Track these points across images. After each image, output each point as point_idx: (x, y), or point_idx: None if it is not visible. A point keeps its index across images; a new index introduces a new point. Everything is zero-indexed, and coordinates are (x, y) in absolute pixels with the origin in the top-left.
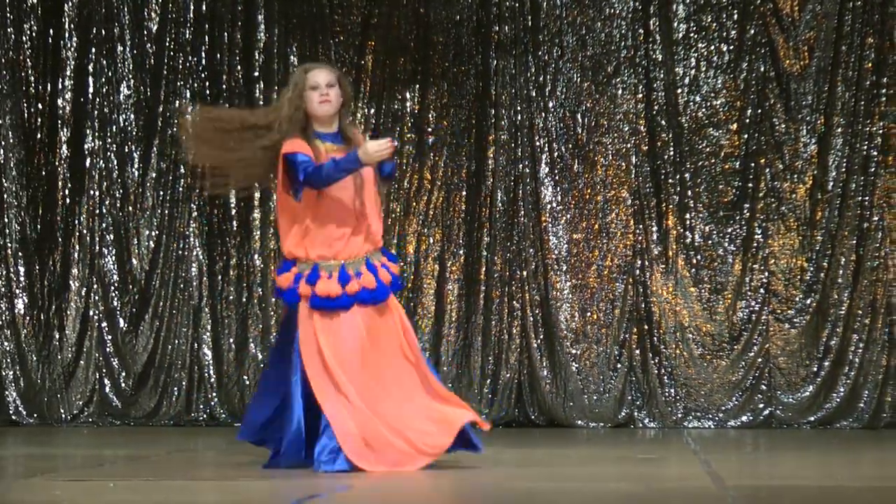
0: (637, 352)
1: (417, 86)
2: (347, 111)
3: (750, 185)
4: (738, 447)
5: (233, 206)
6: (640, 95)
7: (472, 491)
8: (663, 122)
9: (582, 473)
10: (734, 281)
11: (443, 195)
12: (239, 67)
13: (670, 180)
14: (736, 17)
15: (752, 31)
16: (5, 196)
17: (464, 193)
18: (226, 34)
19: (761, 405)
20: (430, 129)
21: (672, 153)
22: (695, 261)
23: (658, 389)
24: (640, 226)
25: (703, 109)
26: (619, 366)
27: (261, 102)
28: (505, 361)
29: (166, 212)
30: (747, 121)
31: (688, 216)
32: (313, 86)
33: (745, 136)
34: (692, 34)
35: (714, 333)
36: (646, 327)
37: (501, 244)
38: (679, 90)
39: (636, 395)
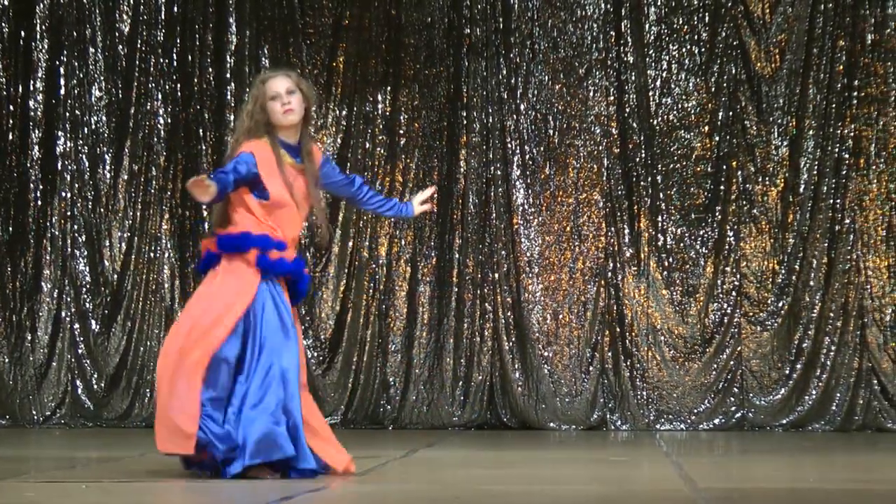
0: (609, 354)
1: (389, 88)
2: (310, 119)
3: (722, 187)
4: (711, 450)
5: (204, 208)
6: (612, 98)
7: (445, 493)
8: (635, 125)
9: (554, 475)
10: (706, 283)
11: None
12: (210, 69)
13: (642, 183)
14: (707, 19)
15: (724, 34)
16: None
17: (435, 196)
18: (197, 36)
19: (733, 408)
20: (401, 132)
21: (644, 155)
22: (667, 263)
23: (630, 392)
24: (612, 228)
25: (675, 112)
26: (591, 368)
27: (232, 104)
28: (477, 364)
29: (138, 213)
30: (719, 123)
31: (660, 219)
32: (273, 95)
33: (717, 138)
34: (664, 37)
35: (686, 336)
36: (618, 330)
37: (473, 246)
38: (651, 92)
39: (608, 398)
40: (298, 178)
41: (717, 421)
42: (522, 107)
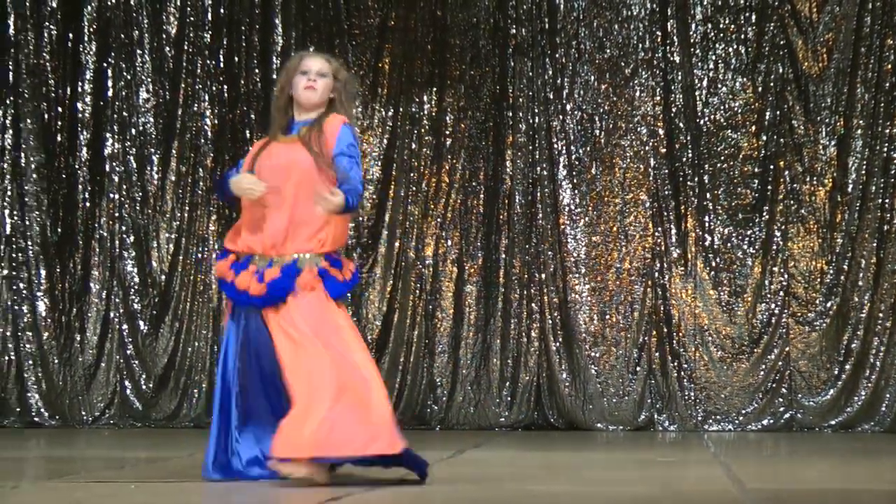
0: (656, 355)
1: (435, 89)
2: (338, 109)
3: (769, 187)
4: (759, 451)
5: None
6: (658, 98)
7: (492, 495)
8: (681, 125)
9: (601, 477)
10: (754, 283)
11: (461, 198)
12: (257, 70)
13: (689, 182)
14: (754, 19)
15: (771, 33)
16: (26, 199)
17: (482, 196)
18: (243, 37)
19: (782, 409)
20: (447, 132)
21: (690, 155)
22: (714, 263)
23: (678, 392)
24: (659, 228)
25: (722, 112)
26: (638, 369)
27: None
28: (524, 364)
29: (185, 215)
30: (766, 123)
31: (707, 219)
32: (303, 70)
33: (764, 138)
34: (710, 36)
35: (734, 336)
36: (665, 330)
37: (520, 247)
38: (697, 92)
39: (656, 399)
40: (290, 151)
41: (765, 422)
42: (568, 107)
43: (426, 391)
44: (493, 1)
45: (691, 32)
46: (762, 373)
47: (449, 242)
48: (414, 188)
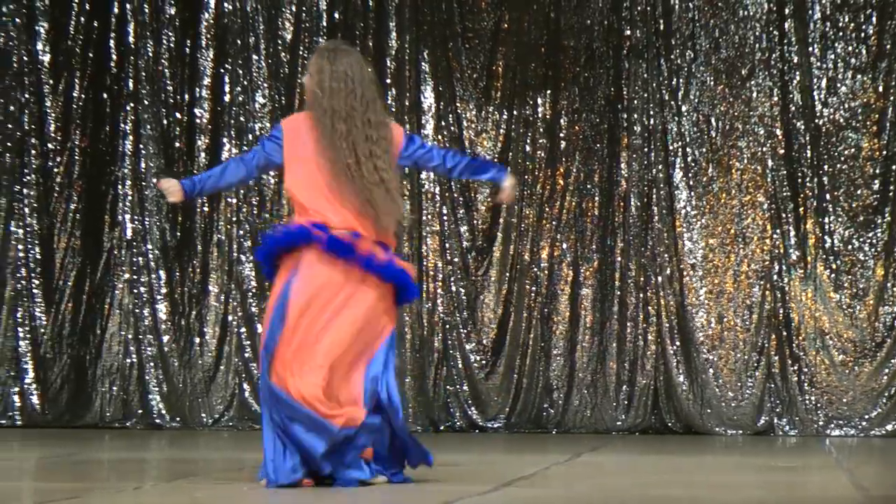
0: (776, 358)
1: (549, 91)
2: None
3: (891, 188)
4: (884, 456)
5: None
6: (776, 98)
7: (609, 499)
8: (800, 126)
9: (720, 481)
10: (876, 286)
11: (576, 200)
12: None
13: (808, 184)
14: (874, 17)
15: (892, 31)
16: (146, 204)
17: (597, 198)
18: (358, 41)
19: None
20: (561, 135)
21: (809, 156)
22: (834, 266)
23: (798, 397)
24: (778, 230)
25: (841, 112)
26: (757, 373)
27: (392, 108)
28: (641, 368)
29: None
30: (887, 123)
31: (826, 220)
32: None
33: (886, 138)
34: (829, 35)
35: (855, 340)
36: (784, 333)
37: (636, 249)
38: (816, 92)
39: (775, 403)
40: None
41: (889, 427)
42: (684, 108)
43: (542, 394)
44: (608, 2)
45: (809, 31)
46: (885, 377)
47: (564, 245)
48: (528, 191)
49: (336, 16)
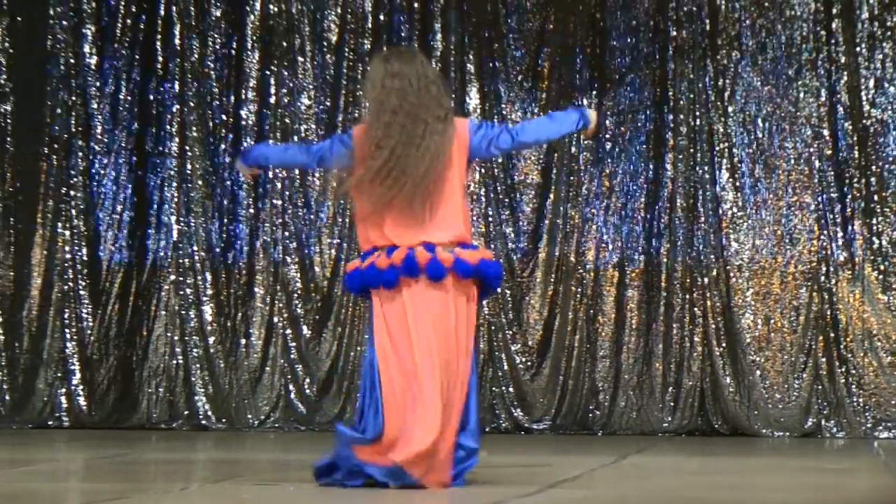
0: (823, 360)
1: (594, 92)
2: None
3: None
4: None
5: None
6: (823, 98)
7: (655, 500)
8: (847, 126)
9: (767, 483)
10: None
11: (621, 201)
12: None
13: (855, 185)
14: None
15: None
16: (192, 206)
17: (642, 200)
18: (403, 43)
19: None
20: (607, 136)
21: (857, 157)
22: (883, 267)
23: (846, 399)
24: (825, 231)
25: (889, 112)
26: (804, 374)
27: None
28: (687, 369)
29: (347, 220)
30: None
31: (874, 221)
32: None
33: None
34: (877, 35)
35: None
36: (832, 335)
37: (682, 250)
38: (863, 93)
39: (823, 405)
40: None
41: None
42: (730, 109)
43: (588, 396)
44: (654, 3)
45: (857, 31)
46: None
47: (610, 246)
48: (574, 192)
49: (381, 17)
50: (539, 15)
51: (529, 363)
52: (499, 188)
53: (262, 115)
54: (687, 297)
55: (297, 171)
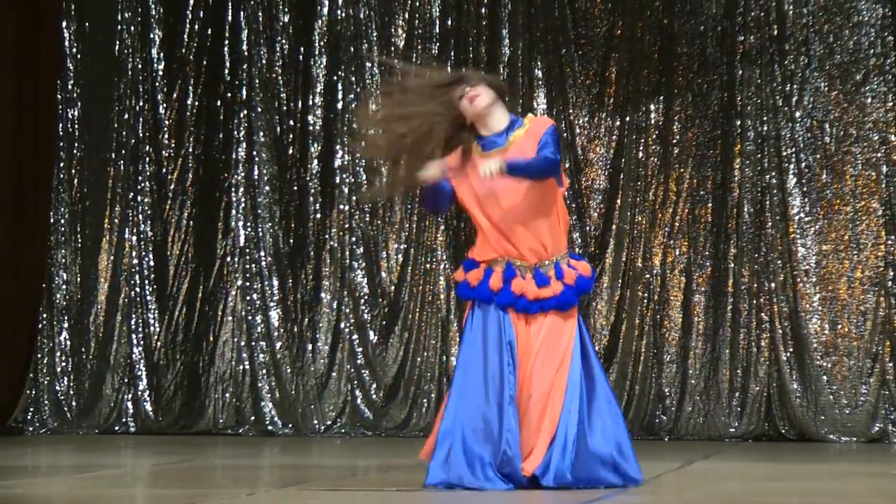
0: (890, 365)
1: (662, 97)
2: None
3: None
4: None
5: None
6: (890, 104)
7: None
8: None
9: (834, 489)
10: None
11: (688, 207)
12: None
13: None
14: None
15: None
16: (259, 211)
17: (710, 205)
18: (471, 48)
19: None
20: (674, 141)
21: None
22: None
23: None
24: (892, 237)
25: None
26: (871, 379)
27: None
28: (754, 374)
29: (414, 225)
30: None
31: None
32: (460, 94)
33: None
34: None
35: None
36: None
37: (749, 256)
38: None
39: (890, 410)
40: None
41: None
42: (797, 114)
43: (655, 401)
44: (721, 8)
45: None
46: None
47: (677, 252)
48: (641, 197)
49: (449, 23)
50: (607, 20)
51: None
52: (566, 194)
53: (329, 121)
54: (754, 302)
55: (363, 176)
